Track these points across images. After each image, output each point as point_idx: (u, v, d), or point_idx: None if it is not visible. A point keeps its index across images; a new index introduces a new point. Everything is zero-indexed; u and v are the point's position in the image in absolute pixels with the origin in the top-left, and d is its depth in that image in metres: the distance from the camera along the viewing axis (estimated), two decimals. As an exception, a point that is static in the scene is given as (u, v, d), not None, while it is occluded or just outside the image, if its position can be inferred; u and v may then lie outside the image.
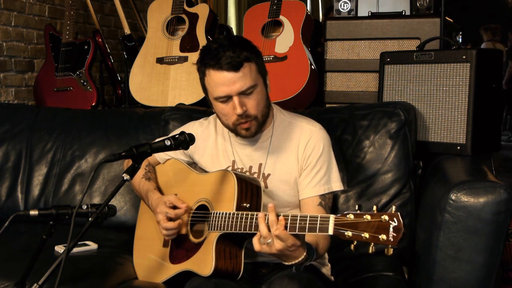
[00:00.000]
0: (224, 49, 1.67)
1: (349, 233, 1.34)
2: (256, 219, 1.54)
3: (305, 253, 1.51)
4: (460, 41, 3.57)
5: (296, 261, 1.51)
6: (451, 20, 3.00)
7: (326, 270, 1.86)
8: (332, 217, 1.39)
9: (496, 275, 1.69)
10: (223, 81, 1.68)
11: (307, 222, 1.44)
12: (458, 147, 2.19)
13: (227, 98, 1.71)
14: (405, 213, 2.08)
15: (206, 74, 1.73)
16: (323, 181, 1.78)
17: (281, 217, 1.46)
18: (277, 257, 1.53)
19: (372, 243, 1.31)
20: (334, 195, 1.98)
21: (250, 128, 1.75)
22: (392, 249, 1.30)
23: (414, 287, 1.90)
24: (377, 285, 1.86)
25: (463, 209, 1.65)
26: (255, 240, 1.50)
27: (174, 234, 1.81)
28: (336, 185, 1.81)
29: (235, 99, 1.69)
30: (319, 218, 1.42)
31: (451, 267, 1.68)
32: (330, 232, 1.38)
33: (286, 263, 1.53)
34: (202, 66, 1.73)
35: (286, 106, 2.33)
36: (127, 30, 3.66)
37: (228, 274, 1.65)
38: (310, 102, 2.87)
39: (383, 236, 1.29)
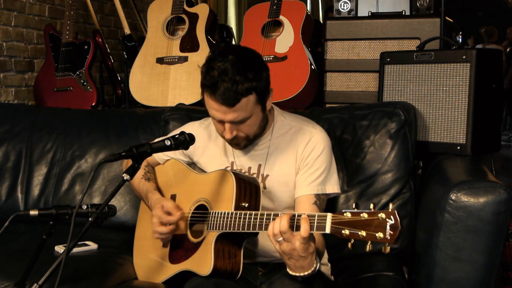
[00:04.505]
0: (223, 79, 1.61)
1: (346, 231, 1.34)
2: (255, 218, 1.55)
3: (314, 266, 1.51)
4: (460, 41, 3.56)
5: (305, 272, 1.51)
6: (451, 20, 2.99)
7: (326, 269, 1.85)
8: (329, 216, 1.39)
9: (496, 275, 1.69)
10: (217, 109, 1.67)
11: (305, 220, 1.44)
12: (458, 147, 2.19)
13: (220, 121, 1.71)
14: (405, 213, 2.08)
15: (204, 92, 1.70)
16: (319, 181, 1.78)
17: (305, 216, 1.44)
18: (285, 259, 1.51)
19: (369, 241, 1.31)
20: (334, 197, 1.97)
21: (239, 144, 1.78)
22: (389, 247, 1.30)
23: (414, 287, 1.90)
24: (377, 285, 1.86)
25: (463, 209, 1.65)
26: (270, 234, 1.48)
27: (166, 238, 1.83)
28: (332, 187, 1.80)
29: (226, 126, 1.70)
30: (316, 217, 1.42)
31: (451, 267, 1.68)
32: (328, 230, 1.38)
33: (293, 273, 1.52)
34: (202, 82, 1.69)
35: (286, 106, 2.33)
36: (127, 30, 3.66)
37: (227, 274, 1.65)
38: (310, 102, 2.87)
39: (380, 234, 1.29)
